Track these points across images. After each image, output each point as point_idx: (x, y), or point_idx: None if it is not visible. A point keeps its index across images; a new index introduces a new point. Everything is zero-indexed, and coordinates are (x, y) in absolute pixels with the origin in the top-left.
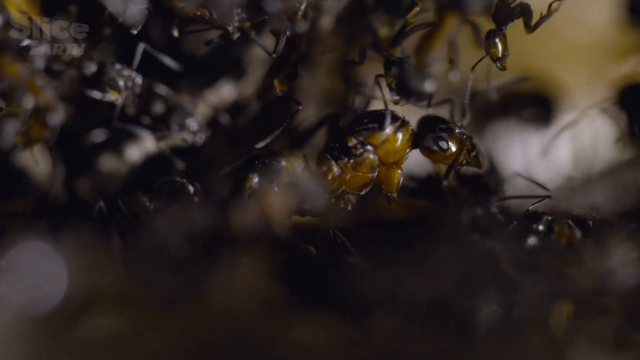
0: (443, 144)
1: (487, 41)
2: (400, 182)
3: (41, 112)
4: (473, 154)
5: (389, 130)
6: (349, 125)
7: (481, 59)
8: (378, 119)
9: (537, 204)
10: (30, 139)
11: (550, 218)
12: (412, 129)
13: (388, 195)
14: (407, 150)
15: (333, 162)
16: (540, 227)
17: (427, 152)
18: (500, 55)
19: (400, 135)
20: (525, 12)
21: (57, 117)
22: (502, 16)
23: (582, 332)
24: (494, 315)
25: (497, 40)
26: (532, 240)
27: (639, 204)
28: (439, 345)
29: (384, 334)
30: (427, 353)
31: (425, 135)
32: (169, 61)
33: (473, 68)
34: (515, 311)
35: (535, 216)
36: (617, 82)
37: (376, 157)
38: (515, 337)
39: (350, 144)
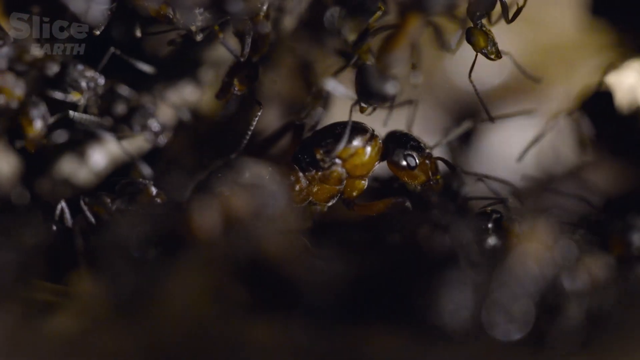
0: (412, 162)
1: (467, 40)
2: (363, 190)
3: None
4: (437, 177)
5: (357, 143)
6: (317, 137)
7: (474, 62)
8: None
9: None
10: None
11: (498, 216)
12: (380, 142)
13: (348, 200)
14: (375, 163)
15: (300, 174)
16: (490, 225)
17: (394, 166)
18: (484, 47)
19: (369, 149)
20: (490, 5)
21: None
22: (472, 11)
23: (544, 334)
24: (457, 315)
25: (476, 35)
26: (482, 239)
27: (599, 206)
28: (403, 346)
29: (346, 335)
30: (391, 355)
31: (395, 150)
32: (139, 64)
33: (470, 73)
34: (477, 310)
35: (485, 215)
36: (579, 90)
37: (344, 170)
38: (479, 337)
39: (318, 157)
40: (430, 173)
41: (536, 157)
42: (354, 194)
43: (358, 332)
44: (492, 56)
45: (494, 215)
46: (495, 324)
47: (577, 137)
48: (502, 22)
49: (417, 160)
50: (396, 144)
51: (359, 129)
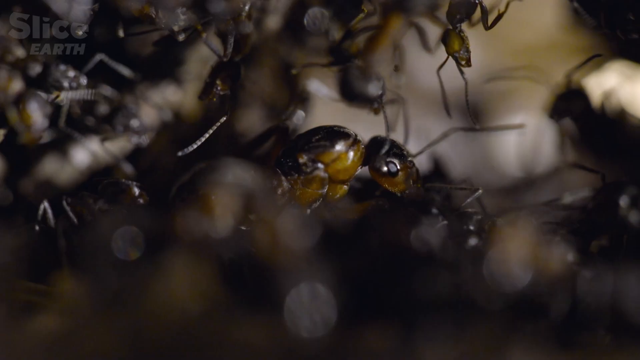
0: (393, 168)
1: (442, 40)
2: (344, 194)
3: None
4: (418, 184)
5: (340, 148)
6: (300, 141)
7: (445, 62)
8: (330, 136)
9: (469, 202)
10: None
11: (479, 217)
12: (363, 147)
13: (330, 204)
14: (358, 168)
15: (283, 178)
16: (472, 227)
17: (375, 172)
18: (456, 51)
19: (351, 154)
20: (471, 9)
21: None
22: (452, 13)
23: (522, 333)
24: (434, 314)
25: (452, 37)
26: (463, 240)
27: (580, 206)
28: (383, 344)
29: (332, 334)
30: (371, 353)
31: (378, 155)
32: (121, 68)
33: (439, 69)
34: (455, 309)
35: (466, 216)
36: (556, 87)
37: (326, 175)
38: (456, 336)
39: (301, 161)
40: (410, 181)
41: (519, 158)
42: (336, 198)
43: (344, 331)
44: (463, 62)
45: (475, 217)
46: (474, 323)
47: (558, 138)
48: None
49: (398, 168)
50: (378, 150)
51: (341, 134)
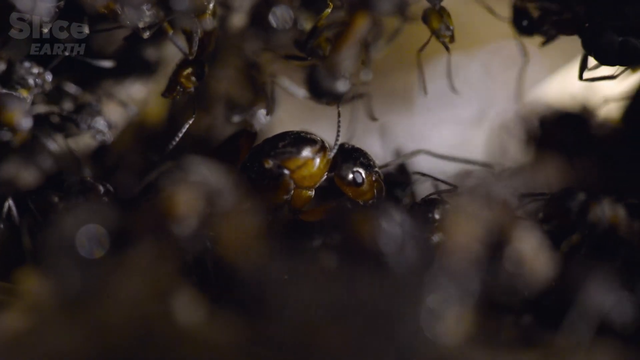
0: (359, 178)
1: (423, 19)
2: (309, 200)
3: None
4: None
5: (307, 154)
6: (266, 146)
7: (427, 42)
8: (297, 142)
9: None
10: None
11: (447, 207)
12: (330, 154)
13: (294, 209)
14: (324, 175)
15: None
16: (436, 216)
17: (340, 180)
18: (437, 28)
19: (317, 161)
20: None
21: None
22: None
23: (487, 332)
24: (398, 312)
25: (432, 16)
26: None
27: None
28: (346, 343)
29: (294, 332)
30: (332, 352)
31: (344, 164)
32: (95, 61)
33: (420, 50)
34: (418, 308)
35: (431, 203)
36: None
37: (292, 181)
38: (419, 335)
39: (266, 166)
40: (375, 192)
41: (485, 155)
42: (301, 204)
43: (306, 329)
44: (446, 40)
45: (441, 206)
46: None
47: (524, 136)
48: None
49: (364, 177)
50: (345, 158)
51: (308, 140)
